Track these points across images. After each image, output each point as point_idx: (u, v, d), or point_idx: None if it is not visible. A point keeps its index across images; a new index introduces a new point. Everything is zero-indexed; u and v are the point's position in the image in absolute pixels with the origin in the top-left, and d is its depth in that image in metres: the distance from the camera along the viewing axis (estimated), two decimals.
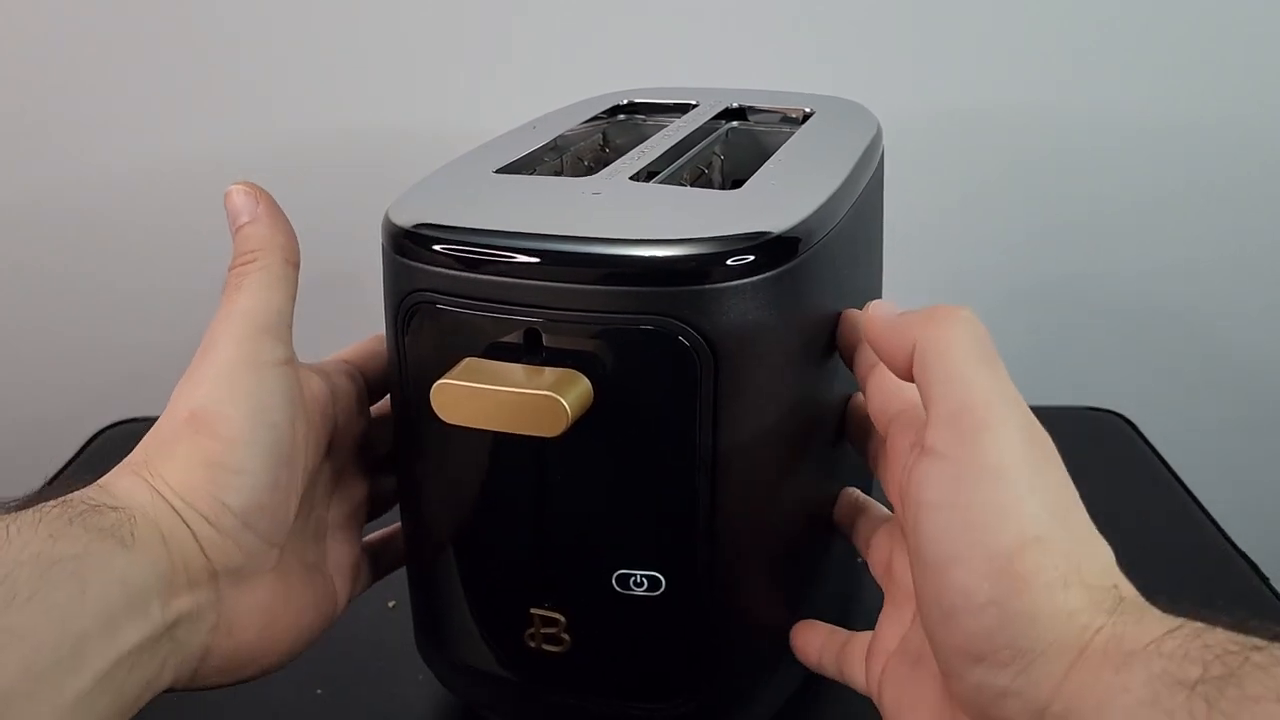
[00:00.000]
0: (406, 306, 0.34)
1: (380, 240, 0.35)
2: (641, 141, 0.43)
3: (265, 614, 0.35)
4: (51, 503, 0.30)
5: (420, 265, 0.33)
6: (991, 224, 0.78)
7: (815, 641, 0.38)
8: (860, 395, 0.39)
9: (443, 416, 0.32)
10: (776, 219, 0.33)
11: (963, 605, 0.27)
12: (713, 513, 0.34)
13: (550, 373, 0.32)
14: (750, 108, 0.49)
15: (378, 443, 0.41)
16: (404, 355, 0.36)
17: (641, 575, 0.35)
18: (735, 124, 0.48)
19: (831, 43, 0.72)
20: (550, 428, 0.31)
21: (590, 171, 0.45)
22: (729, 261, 0.31)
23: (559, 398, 0.31)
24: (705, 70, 0.72)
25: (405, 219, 0.34)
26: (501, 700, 0.41)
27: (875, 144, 0.44)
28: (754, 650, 0.39)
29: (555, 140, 0.44)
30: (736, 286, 0.31)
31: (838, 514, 0.41)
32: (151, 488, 0.32)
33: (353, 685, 0.46)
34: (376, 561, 0.42)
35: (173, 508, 0.32)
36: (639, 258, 0.31)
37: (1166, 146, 0.74)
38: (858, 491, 0.41)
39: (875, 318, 0.33)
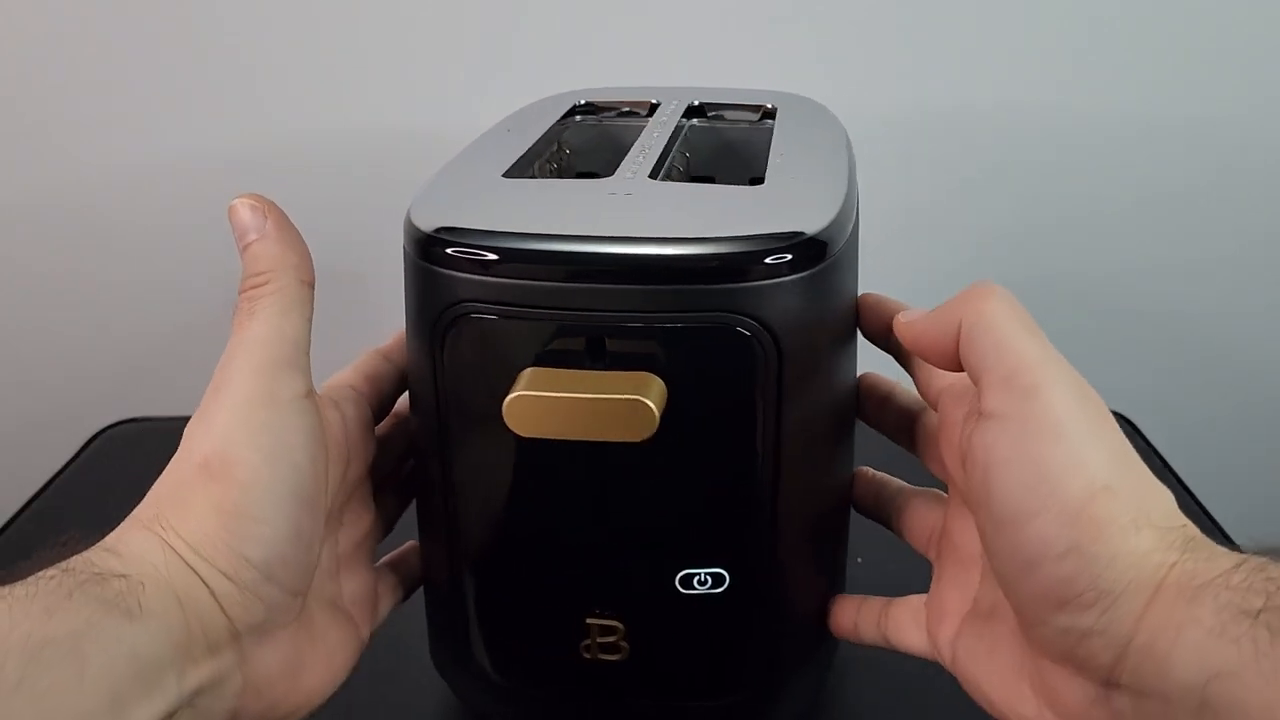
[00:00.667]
0: (446, 319, 0.32)
1: (400, 246, 0.34)
2: (599, 142, 0.43)
3: (292, 665, 0.33)
4: (50, 571, 0.27)
5: (463, 275, 0.32)
6: (991, 223, 0.78)
7: (848, 611, 0.38)
8: (871, 375, 0.40)
9: (518, 430, 0.31)
10: (818, 215, 0.33)
11: (1044, 554, 0.28)
12: (775, 503, 0.34)
13: (625, 376, 0.31)
14: (710, 104, 0.49)
15: (382, 465, 0.39)
16: (441, 369, 0.34)
17: (705, 573, 0.35)
18: (695, 121, 0.48)
19: (831, 43, 0.72)
20: (639, 431, 0.31)
21: (556, 173, 0.44)
22: (790, 256, 0.32)
23: (646, 400, 0.30)
24: (706, 69, 0.72)
25: (437, 224, 0.32)
26: (540, 710, 0.41)
27: (847, 137, 0.45)
28: (804, 637, 0.39)
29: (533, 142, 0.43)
30: (796, 279, 0.32)
31: (858, 493, 0.41)
32: (165, 543, 0.30)
33: (354, 686, 0.46)
34: (398, 587, 0.40)
35: (188, 565, 0.29)
36: (705, 255, 0.31)
37: (1166, 146, 0.74)
38: (871, 470, 0.42)
39: (909, 321, 0.34)
